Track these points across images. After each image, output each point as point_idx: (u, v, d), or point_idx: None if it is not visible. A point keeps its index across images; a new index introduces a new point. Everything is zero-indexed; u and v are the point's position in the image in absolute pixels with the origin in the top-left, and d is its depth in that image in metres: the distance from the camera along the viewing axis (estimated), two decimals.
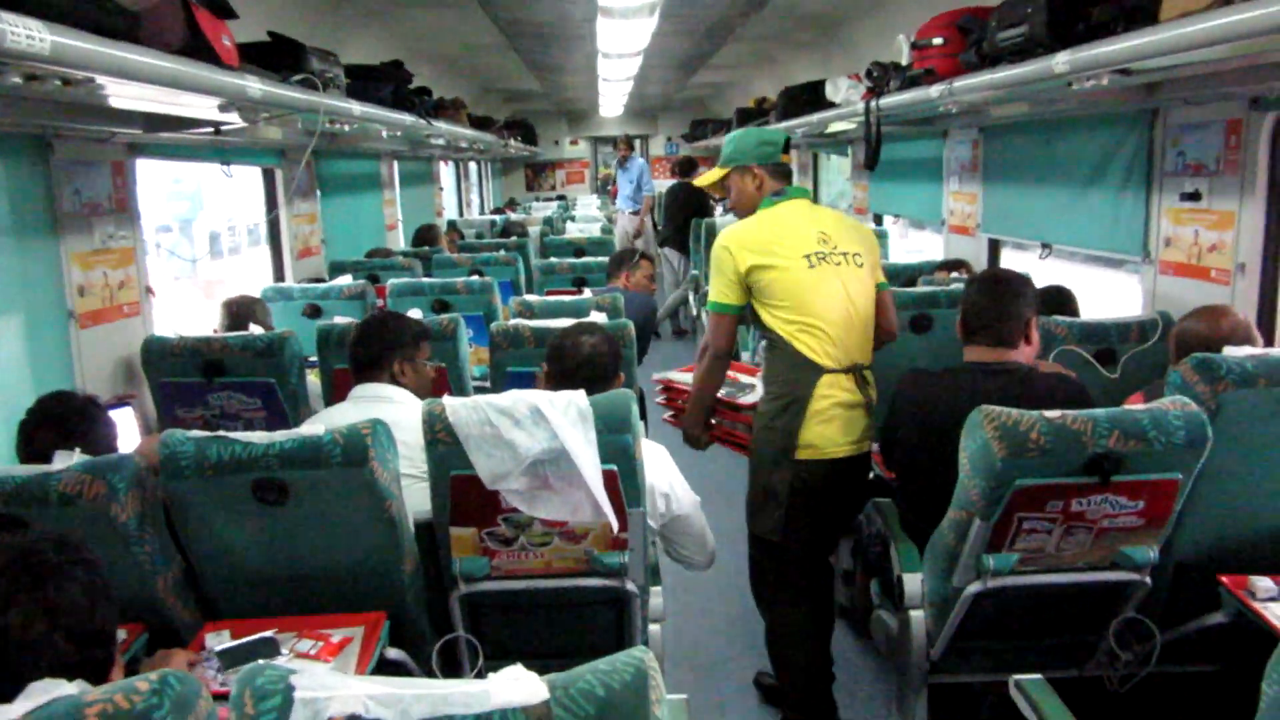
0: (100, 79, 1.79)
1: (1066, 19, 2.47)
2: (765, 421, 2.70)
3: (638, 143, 12.57)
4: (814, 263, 2.65)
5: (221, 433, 2.07)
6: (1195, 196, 2.97)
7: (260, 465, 2.03)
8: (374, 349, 2.64)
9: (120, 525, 1.99)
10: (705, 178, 3.00)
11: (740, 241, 2.67)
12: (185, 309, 3.40)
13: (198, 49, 2.21)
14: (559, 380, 2.48)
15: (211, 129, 3.04)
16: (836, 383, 2.66)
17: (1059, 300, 3.22)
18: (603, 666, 1.08)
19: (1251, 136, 2.76)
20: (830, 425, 2.67)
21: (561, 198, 14.38)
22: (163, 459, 2.04)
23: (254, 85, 2.47)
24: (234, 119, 2.85)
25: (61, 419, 2.26)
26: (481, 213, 12.13)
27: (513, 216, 9.28)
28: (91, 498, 1.96)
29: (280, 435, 2.06)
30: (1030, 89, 2.89)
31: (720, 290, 2.69)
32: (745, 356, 4.44)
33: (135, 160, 3.23)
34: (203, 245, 10.75)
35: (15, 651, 1.25)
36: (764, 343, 2.77)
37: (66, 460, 2.02)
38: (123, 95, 2.12)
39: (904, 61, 3.78)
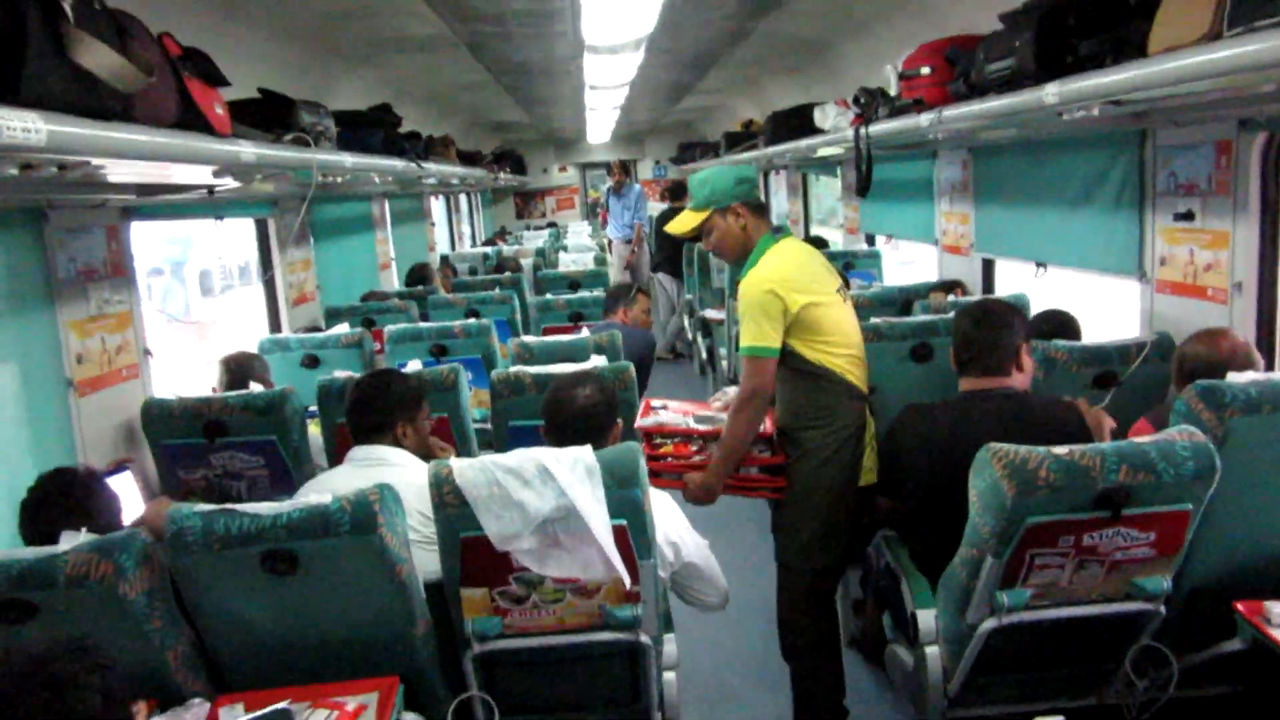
0: (96, 161, 1.80)
1: (1054, 52, 2.48)
2: (825, 456, 2.72)
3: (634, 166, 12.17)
4: (843, 297, 2.79)
5: (229, 505, 2.06)
6: (1189, 216, 2.97)
7: (269, 537, 2.02)
8: (376, 412, 2.63)
9: (129, 603, 1.97)
10: (682, 223, 2.86)
11: (786, 282, 2.67)
12: (179, 352, 3.38)
13: (191, 120, 2.22)
14: (556, 434, 2.49)
15: (205, 190, 3.03)
16: (867, 409, 2.80)
17: (1060, 325, 3.22)
18: None
19: (1242, 157, 2.77)
20: (871, 451, 2.80)
21: (553, 224, 14.40)
22: (169, 535, 2.03)
23: (247, 150, 2.47)
24: (228, 181, 2.85)
25: (64, 496, 2.25)
26: (473, 243, 12.15)
27: (505, 249, 9.28)
28: (99, 578, 1.94)
29: (287, 506, 2.05)
30: (1020, 117, 2.90)
31: (763, 334, 2.65)
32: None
33: (130, 223, 3.22)
34: (194, 285, 10.76)
35: None
36: (798, 382, 2.75)
37: (73, 540, 2.00)
38: (118, 171, 2.12)
39: (893, 92, 3.80)
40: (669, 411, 2.90)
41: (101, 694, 1.31)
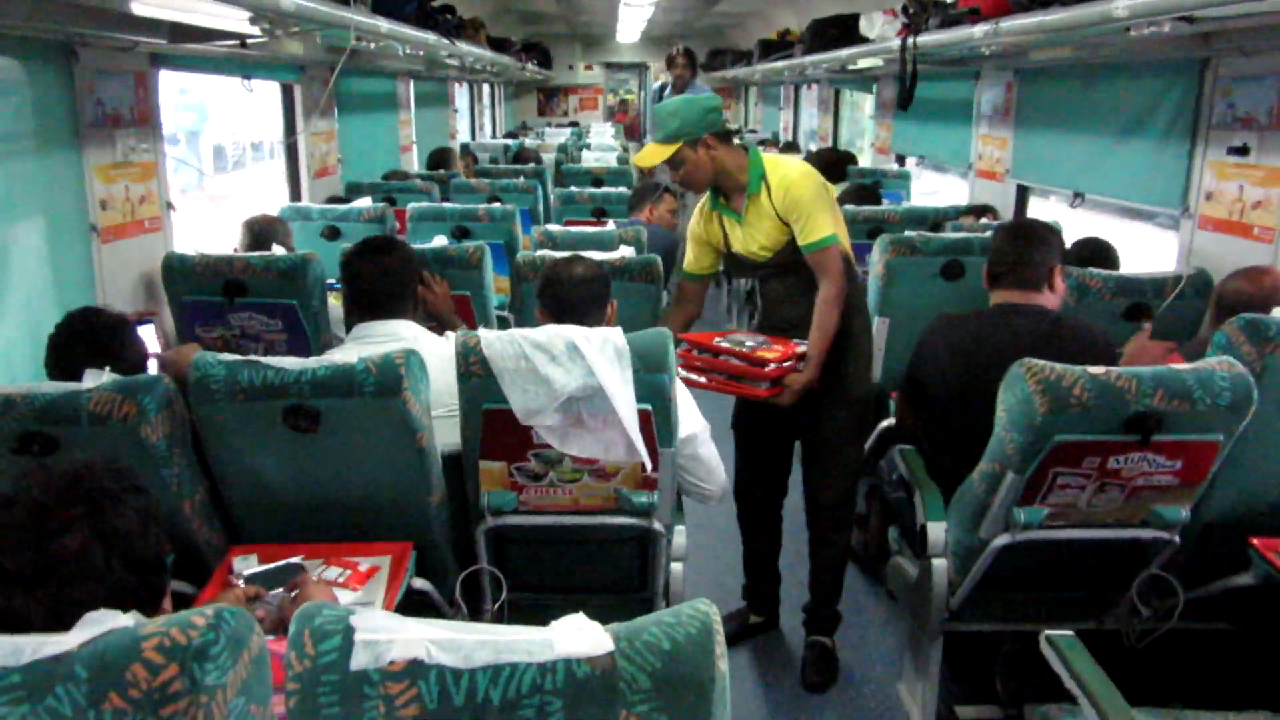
0: None
1: None
2: (860, 333, 2.83)
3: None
4: None
5: (253, 357, 2.04)
6: (1243, 151, 2.89)
7: (292, 392, 2.01)
8: (381, 283, 2.51)
9: (150, 446, 1.98)
10: (649, 155, 2.78)
11: (820, 175, 2.73)
12: (194, 221, 3.32)
13: None
14: (553, 306, 2.45)
15: (237, 41, 2.95)
16: None
17: (1098, 253, 3.16)
18: (668, 618, 1.06)
19: None
20: None
21: (575, 124, 14.16)
22: (193, 382, 2.02)
23: None
24: (262, 32, 2.77)
25: (92, 336, 2.23)
26: (494, 136, 11.95)
27: (527, 142, 9.12)
28: (122, 418, 1.94)
29: (313, 362, 2.04)
30: (1082, 33, 2.80)
31: (832, 221, 2.69)
32: None
33: (158, 71, 3.14)
34: (208, 157, 10.63)
35: (73, 577, 1.23)
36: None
37: (97, 379, 2.00)
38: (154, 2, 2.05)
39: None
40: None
41: (138, 513, 1.31)
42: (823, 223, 2.66)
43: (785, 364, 2.68)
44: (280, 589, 1.88)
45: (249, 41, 2.98)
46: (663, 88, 7.38)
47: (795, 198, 2.66)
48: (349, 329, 2.56)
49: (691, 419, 2.41)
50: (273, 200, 4.94)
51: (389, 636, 1.02)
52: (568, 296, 2.43)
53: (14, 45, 2.45)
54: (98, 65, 2.78)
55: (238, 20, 2.46)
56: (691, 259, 2.98)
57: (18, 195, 2.54)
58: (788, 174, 2.70)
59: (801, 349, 2.72)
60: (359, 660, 1.01)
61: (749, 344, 2.76)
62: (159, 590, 1.34)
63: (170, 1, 2.04)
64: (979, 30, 3.32)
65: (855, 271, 2.83)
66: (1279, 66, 2.75)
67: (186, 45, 2.97)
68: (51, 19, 2.16)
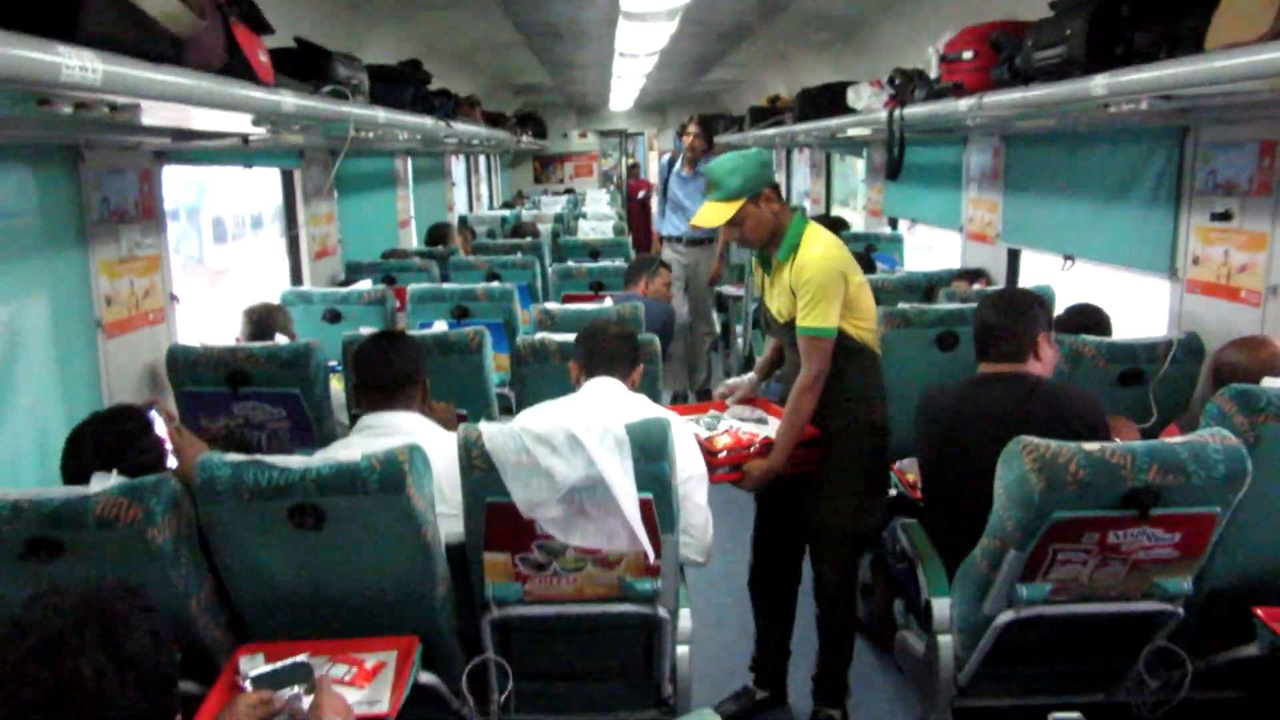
0: (146, 103, 1.79)
1: (1106, 42, 2.45)
2: (867, 421, 2.83)
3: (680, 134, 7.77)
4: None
5: (258, 457, 2.06)
6: (1226, 216, 2.95)
7: (297, 490, 2.03)
8: (388, 376, 2.56)
9: (156, 548, 1.99)
10: (714, 215, 2.77)
11: (847, 264, 2.75)
12: (196, 300, 3.36)
13: (236, 67, 2.21)
14: (588, 359, 2.64)
15: (240, 138, 3.02)
16: None
17: (1089, 319, 3.20)
18: None
19: None
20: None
21: (570, 191, 14.34)
22: (199, 484, 2.04)
23: (288, 100, 2.46)
24: (262, 129, 2.84)
25: (101, 440, 2.25)
26: (490, 205, 12.11)
27: (524, 213, 9.24)
28: (129, 521, 1.96)
29: (317, 460, 2.06)
30: (1063, 108, 2.88)
31: (830, 315, 2.69)
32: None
33: (162, 167, 3.21)
34: (208, 232, 10.76)
35: (89, 703, 1.24)
36: (841, 358, 2.77)
37: (104, 482, 2.02)
38: (161, 114, 2.11)
39: (932, 74, 3.76)
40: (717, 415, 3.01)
41: (151, 634, 1.32)
42: (820, 312, 2.67)
43: (743, 452, 2.76)
44: (288, 688, 1.88)
45: (252, 138, 3.05)
46: (671, 161, 6.71)
47: (805, 279, 2.68)
48: (355, 420, 2.59)
49: (691, 462, 2.44)
50: (272, 274, 5.01)
51: None
52: (602, 350, 2.61)
53: (23, 151, 2.52)
54: (103, 165, 2.84)
55: (241, 121, 2.53)
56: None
57: (25, 295, 2.58)
58: (811, 254, 2.71)
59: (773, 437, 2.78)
60: None
61: (734, 424, 2.88)
62: (170, 710, 1.35)
63: (181, 111, 2.10)
64: (963, 105, 3.39)
65: (876, 364, 2.86)
66: (1256, 136, 2.81)
67: (190, 142, 3.03)
68: (61, 128, 2.22)
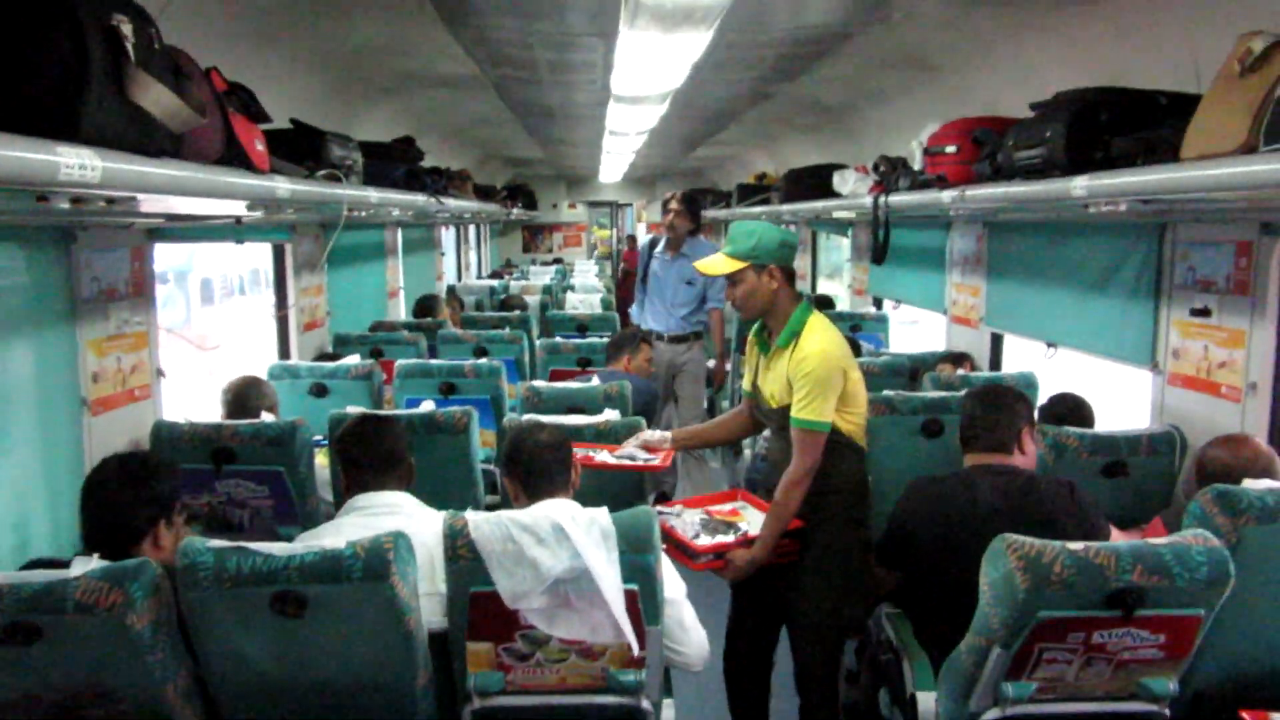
0: (143, 196, 1.81)
1: (1085, 146, 2.53)
2: (848, 516, 2.82)
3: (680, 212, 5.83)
4: None
5: (242, 544, 2.05)
6: (1205, 313, 3.00)
7: (280, 578, 2.02)
8: (381, 455, 2.57)
9: (135, 633, 1.97)
10: (716, 266, 2.85)
11: (846, 359, 2.78)
12: (179, 365, 3.34)
13: (233, 157, 2.24)
14: (522, 477, 2.46)
15: (234, 218, 3.05)
16: None
17: (1072, 409, 3.24)
18: None
19: (1262, 259, 2.80)
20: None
21: (558, 260, 14.45)
22: (180, 569, 2.03)
23: (283, 186, 2.50)
24: (259, 213, 2.87)
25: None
26: (479, 274, 12.18)
27: (511, 284, 9.31)
28: (108, 607, 1.94)
29: (300, 548, 2.05)
30: (1044, 204, 2.94)
31: (826, 409, 2.71)
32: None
33: (154, 245, 3.23)
34: (195, 294, 10.81)
35: None
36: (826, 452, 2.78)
37: (85, 565, 2.00)
38: (159, 203, 2.14)
39: (916, 165, 3.84)
40: (686, 511, 2.97)
41: None
42: (816, 406, 2.68)
43: (723, 552, 2.74)
44: None
45: (244, 217, 3.08)
46: (653, 243, 6.04)
47: (805, 371, 2.70)
48: (340, 502, 2.58)
49: (673, 583, 2.41)
50: (259, 339, 4.97)
51: None
52: (533, 464, 2.46)
53: (15, 233, 2.54)
54: (95, 244, 2.86)
55: (236, 206, 2.56)
56: (746, 377, 3.04)
57: (11, 373, 2.58)
58: (811, 347, 2.72)
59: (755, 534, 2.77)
60: None
61: (729, 519, 2.87)
62: None
63: (173, 201, 2.13)
64: (947, 196, 3.47)
65: (861, 459, 2.86)
66: (1233, 236, 2.88)
67: (183, 221, 3.06)
68: (56, 214, 2.24)
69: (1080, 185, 2.50)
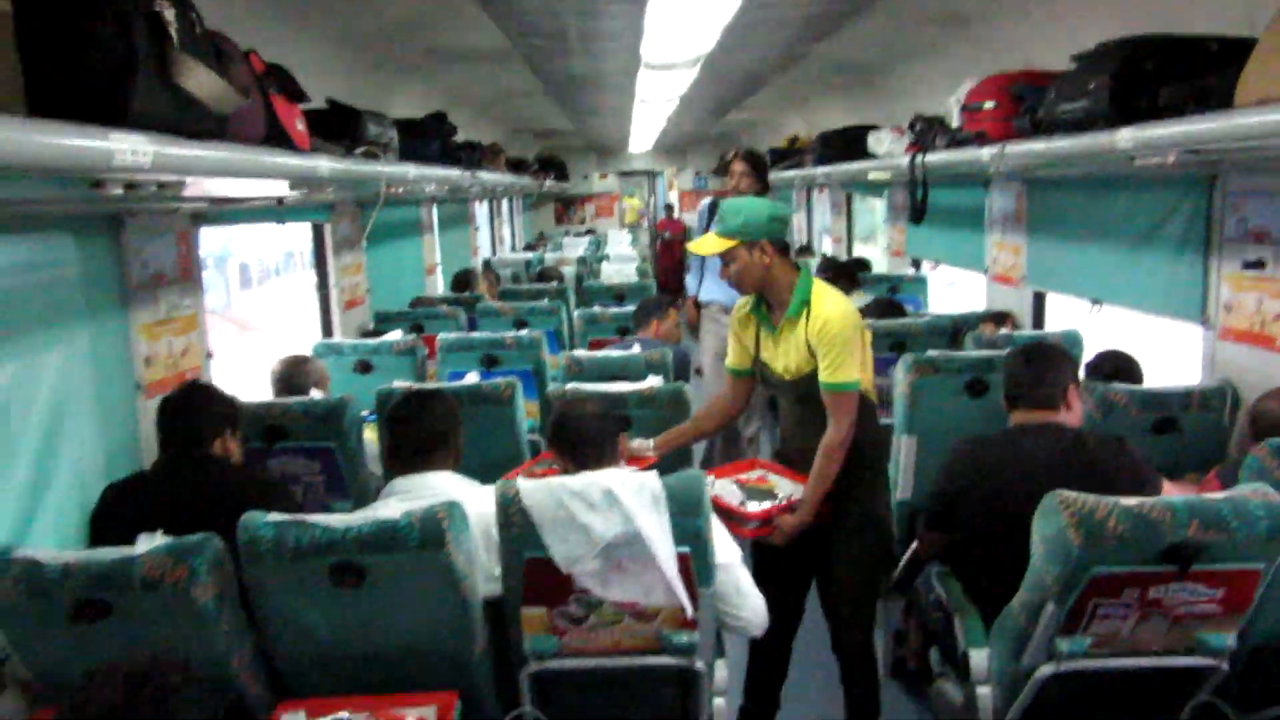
0: (191, 180, 1.84)
1: (1132, 96, 2.48)
2: (876, 467, 2.87)
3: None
4: None
5: (300, 516, 2.10)
6: (1259, 265, 2.94)
7: (338, 549, 2.06)
8: (422, 435, 2.57)
9: (200, 606, 2.03)
10: (707, 245, 2.84)
11: (859, 317, 2.78)
12: (224, 346, 3.40)
13: (275, 136, 2.27)
14: (569, 450, 2.50)
15: (276, 199, 3.09)
16: None
17: (1120, 367, 3.20)
18: None
19: None
20: None
21: (591, 231, 14.44)
22: (242, 544, 2.07)
23: (324, 164, 2.52)
24: (300, 192, 2.90)
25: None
26: (513, 248, 12.21)
27: (546, 256, 9.32)
28: (173, 582, 2.00)
29: (358, 519, 2.09)
30: (1087, 160, 2.90)
31: (855, 368, 2.71)
32: None
33: (199, 229, 3.27)
34: (234, 277, 10.95)
35: None
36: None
37: (150, 543, 2.05)
38: (205, 186, 2.18)
39: (953, 123, 3.79)
40: (718, 481, 2.94)
41: (199, 704, 1.35)
42: (849, 367, 2.68)
43: (770, 518, 2.74)
44: None
45: (286, 198, 3.11)
46: (713, 207, 5.39)
47: (829, 335, 2.68)
48: (387, 479, 2.61)
49: (727, 548, 2.42)
50: (300, 321, 5.03)
51: None
52: (580, 437, 2.49)
53: (67, 221, 2.58)
54: (143, 230, 2.90)
55: (279, 186, 2.59)
56: (731, 355, 3.01)
57: (68, 360, 2.63)
58: (829, 311, 2.71)
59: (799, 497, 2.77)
60: None
61: (761, 486, 2.87)
62: None
63: (223, 182, 2.16)
64: (986, 153, 3.42)
65: (875, 413, 2.85)
66: None
67: (227, 204, 3.09)
68: (109, 200, 2.28)
69: (1126, 137, 2.46)
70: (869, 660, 2.97)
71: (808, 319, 2.74)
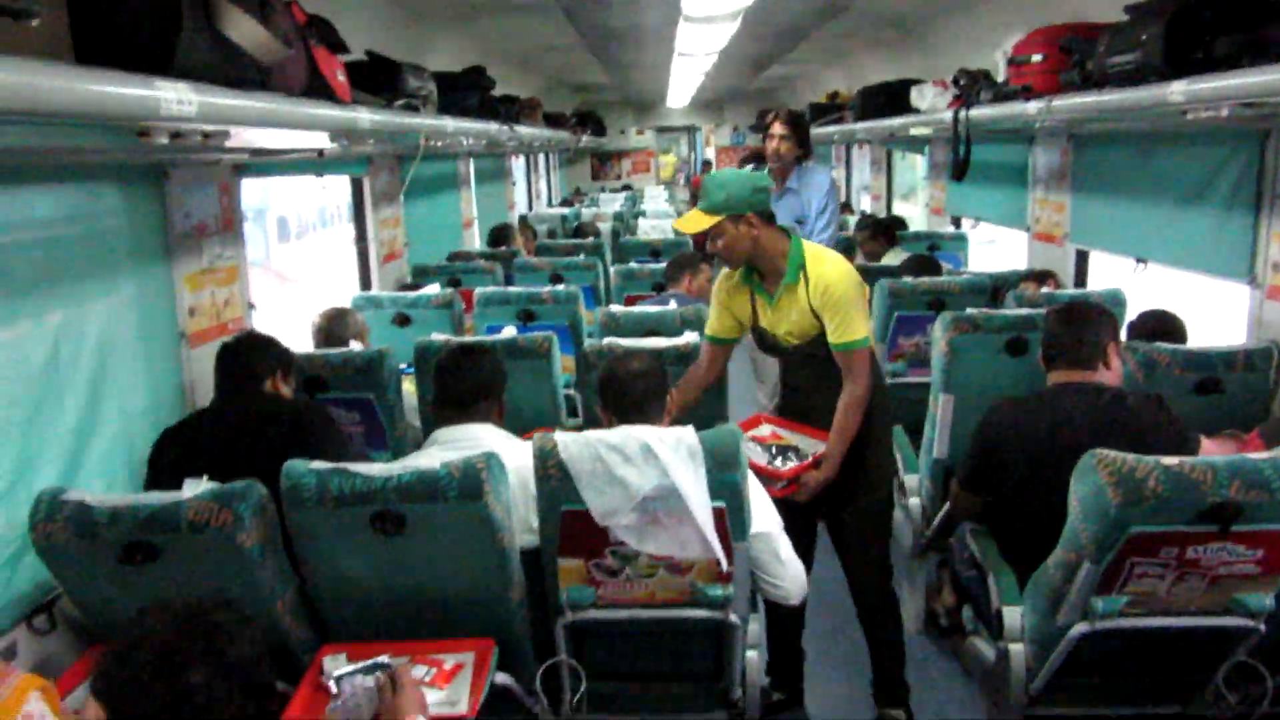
0: (235, 129, 1.86)
1: (1185, 48, 2.41)
2: (883, 421, 2.90)
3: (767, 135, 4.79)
4: None
5: (342, 465, 2.13)
6: None
7: (379, 498, 2.09)
8: (467, 390, 2.59)
9: (245, 551, 2.07)
10: (691, 222, 2.83)
11: (857, 275, 2.80)
12: (265, 299, 3.45)
13: (317, 88, 2.27)
14: (616, 406, 2.50)
15: (316, 151, 3.10)
16: None
17: (1164, 326, 3.15)
18: None
19: None
20: None
21: (628, 187, 14.38)
22: (285, 490, 2.11)
23: (364, 116, 2.53)
24: (340, 144, 2.91)
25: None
26: (550, 204, 12.20)
27: (583, 212, 9.30)
28: (219, 525, 2.04)
29: (398, 469, 2.12)
30: (1138, 113, 2.83)
31: (865, 324, 2.77)
32: None
33: (240, 180, 3.30)
34: (273, 231, 11.06)
35: (200, 710, 1.31)
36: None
37: (196, 488, 2.10)
38: (247, 137, 2.19)
39: (1000, 76, 3.72)
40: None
41: (250, 643, 1.39)
42: (857, 325, 2.72)
43: (798, 475, 2.77)
44: (359, 679, 1.91)
45: (327, 150, 3.12)
46: (756, 166, 4.98)
47: (834, 298, 2.72)
48: (429, 432, 2.64)
49: (767, 516, 2.44)
50: (338, 275, 5.08)
51: None
52: (628, 392, 2.49)
53: (112, 171, 2.62)
54: (186, 181, 2.94)
55: (319, 138, 2.60)
56: (714, 323, 3.01)
57: (115, 309, 2.68)
58: (828, 273, 2.74)
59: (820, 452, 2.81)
60: None
61: (779, 443, 2.89)
62: (273, 714, 1.42)
63: (266, 133, 2.18)
64: (1032, 107, 3.36)
65: (879, 368, 2.91)
66: None
67: (268, 155, 3.12)
68: (154, 149, 2.30)
69: (1178, 90, 2.40)
70: (890, 605, 3.01)
71: (807, 284, 2.77)
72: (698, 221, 2.79)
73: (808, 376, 2.89)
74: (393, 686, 1.84)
